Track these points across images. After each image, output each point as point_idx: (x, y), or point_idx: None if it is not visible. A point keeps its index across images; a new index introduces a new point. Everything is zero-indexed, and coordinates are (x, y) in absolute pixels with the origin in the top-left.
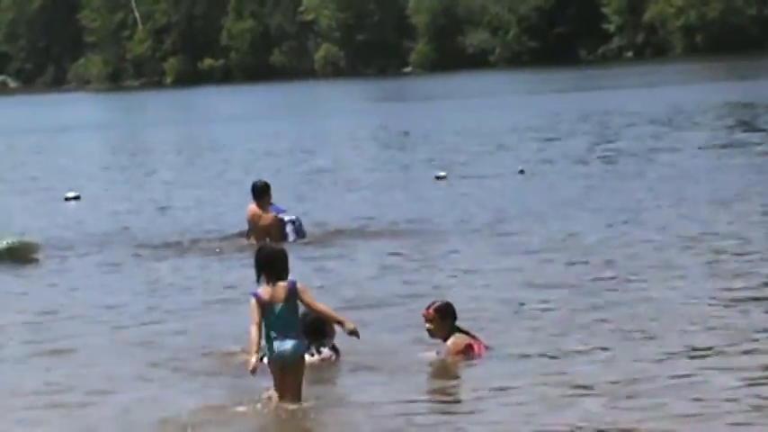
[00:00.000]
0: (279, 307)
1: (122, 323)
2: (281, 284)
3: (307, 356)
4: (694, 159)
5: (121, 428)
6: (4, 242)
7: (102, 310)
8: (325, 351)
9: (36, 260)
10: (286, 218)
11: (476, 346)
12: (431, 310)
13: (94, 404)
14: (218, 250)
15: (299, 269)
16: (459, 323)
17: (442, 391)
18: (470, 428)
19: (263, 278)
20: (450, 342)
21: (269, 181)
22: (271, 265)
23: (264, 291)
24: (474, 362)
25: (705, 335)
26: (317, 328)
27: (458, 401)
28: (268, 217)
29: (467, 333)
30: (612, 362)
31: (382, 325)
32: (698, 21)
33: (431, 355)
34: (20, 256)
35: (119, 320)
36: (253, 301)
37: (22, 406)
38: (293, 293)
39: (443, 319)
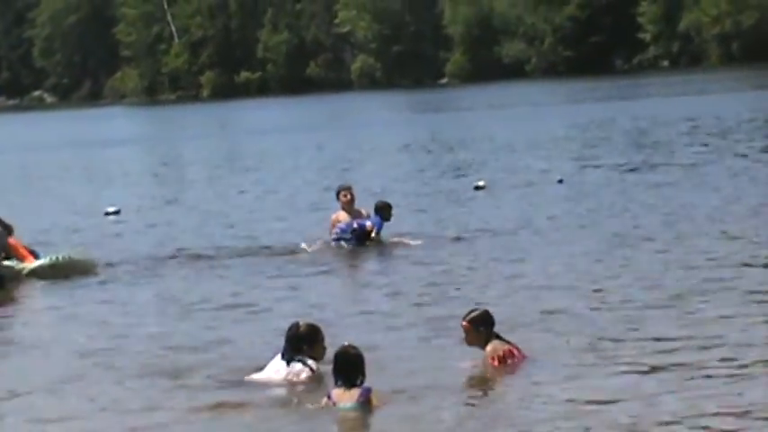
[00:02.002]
0: (346, 405)
1: (163, 340)
2: (355, 391)
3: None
4: (736, 169)
5: None
6: (59, 256)
7: (147, 324)
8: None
9: (95, 274)
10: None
11: (515, 352)
12: (466, 322)
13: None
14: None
15: (336, 276)
16: (501, 332)
17: (477, 400)
18: None
19: (339, 382)
20: (488, 348)
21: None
22: (345, 371)
23: (337, 393)
24: (511, 370)
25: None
26: (302, 345)
27: (488, 407)
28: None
29: (505, 341)
30: (649, 373)
31: (420, 335)
32: (733, 29)
33: (467, 364)
34: (77, 271)
35: (160, 337)
36: (325, 401)
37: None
38: (366, 400)
39: (479, 329)
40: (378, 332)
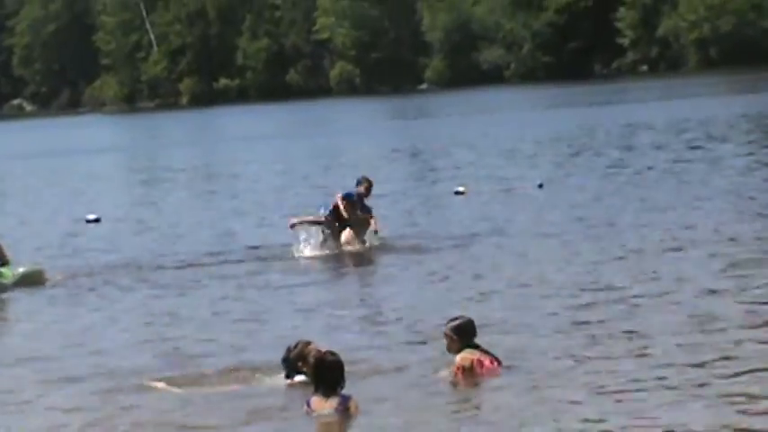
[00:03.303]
0: (324, 413)
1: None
2: (334, 400)
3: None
4: (718, 173)
5: None
6: (13, 272)
7: (123, 331)
8: (300, 377)
9: (44, 285)
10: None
11: (486, 362)
12: (446, 330)
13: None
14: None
15: (318, 285)
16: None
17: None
18: None
19: (319, 389)
20: (457, 358)
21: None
22: (324, 377)
23: (315, 401)
24: (485, 379)
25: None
26: (296, 364)
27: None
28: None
29: (480, 349)
30: (622, 374)
31: (401, 341)
32: (711, 34)
33: (445, 373)
34: (29, 283)
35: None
36: (305, 408)
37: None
38: (344, 409)
39: (457, 337)
40: (357, 339)
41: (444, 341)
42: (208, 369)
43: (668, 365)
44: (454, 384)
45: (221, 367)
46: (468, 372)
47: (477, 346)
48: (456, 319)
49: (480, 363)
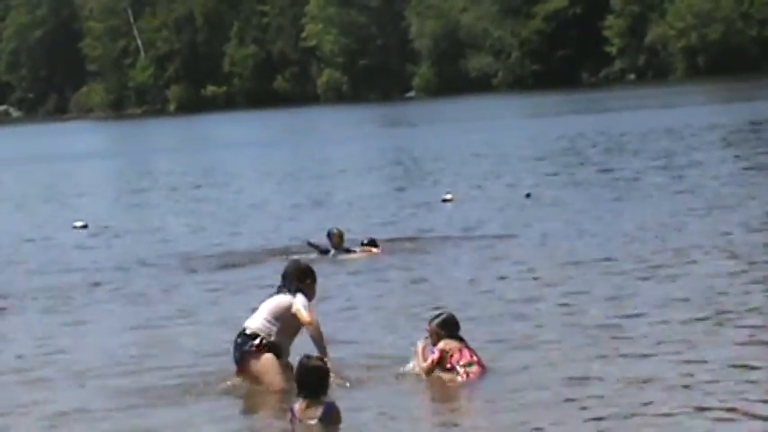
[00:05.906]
0: (309, 422)
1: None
2: (318, 408)
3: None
4: (703, 180)
5: None
6: None
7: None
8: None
9: None
10: None
11: (466, 353)
12: (432, 325)
13: None
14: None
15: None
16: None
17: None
18: None
19: (301, 394)
20: (441, 343)
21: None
22: (308, 382)
23: (299, 410)
24: (470, 383)
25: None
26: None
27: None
28: None
29: (464, 343)
30: (603, 381)
31: (387, 346)
32: (699, 42)
33: (410, 366)
34: None
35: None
36: (289, 416)
37: None
38: (328, 417)
39: (444, 332)
40: (345, 344)
41: (428, 337)
42: (190, 376)
43: (649, 383)
44: (423, 373)
45: (209, 373)
46: (440, 362)
47: (461, 339)
48: (439, 315)
49: (460, 351)
